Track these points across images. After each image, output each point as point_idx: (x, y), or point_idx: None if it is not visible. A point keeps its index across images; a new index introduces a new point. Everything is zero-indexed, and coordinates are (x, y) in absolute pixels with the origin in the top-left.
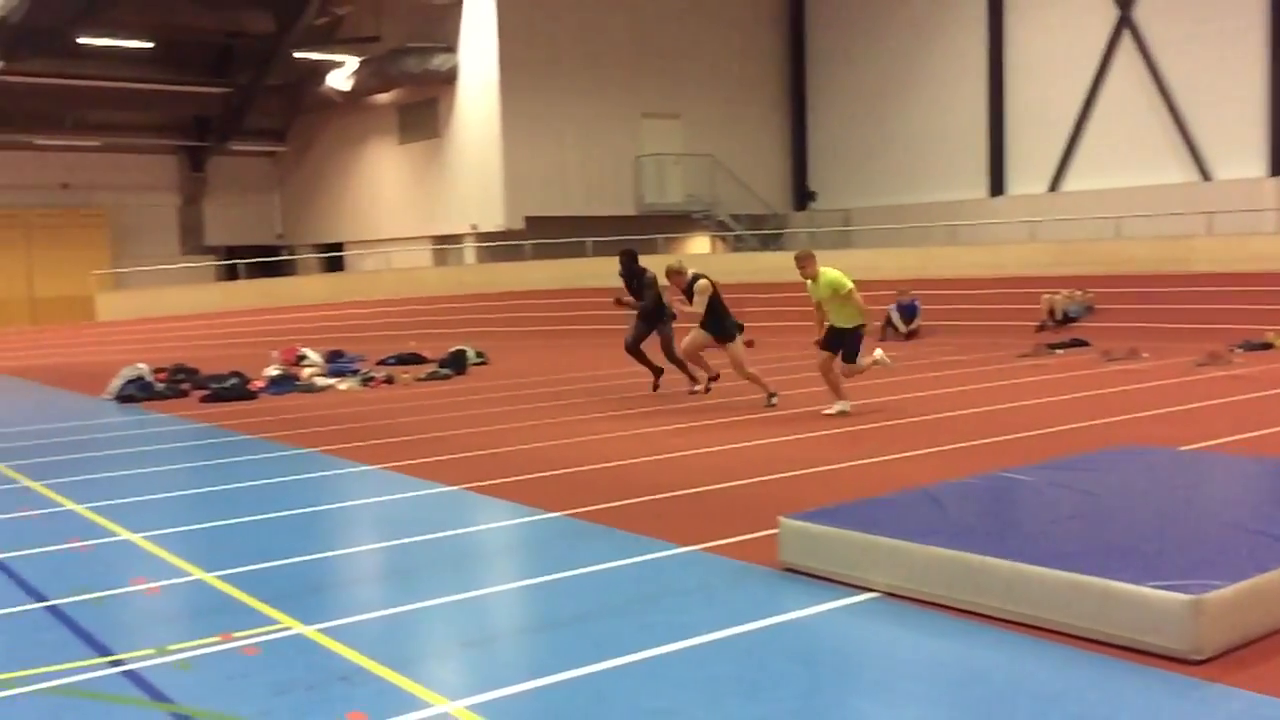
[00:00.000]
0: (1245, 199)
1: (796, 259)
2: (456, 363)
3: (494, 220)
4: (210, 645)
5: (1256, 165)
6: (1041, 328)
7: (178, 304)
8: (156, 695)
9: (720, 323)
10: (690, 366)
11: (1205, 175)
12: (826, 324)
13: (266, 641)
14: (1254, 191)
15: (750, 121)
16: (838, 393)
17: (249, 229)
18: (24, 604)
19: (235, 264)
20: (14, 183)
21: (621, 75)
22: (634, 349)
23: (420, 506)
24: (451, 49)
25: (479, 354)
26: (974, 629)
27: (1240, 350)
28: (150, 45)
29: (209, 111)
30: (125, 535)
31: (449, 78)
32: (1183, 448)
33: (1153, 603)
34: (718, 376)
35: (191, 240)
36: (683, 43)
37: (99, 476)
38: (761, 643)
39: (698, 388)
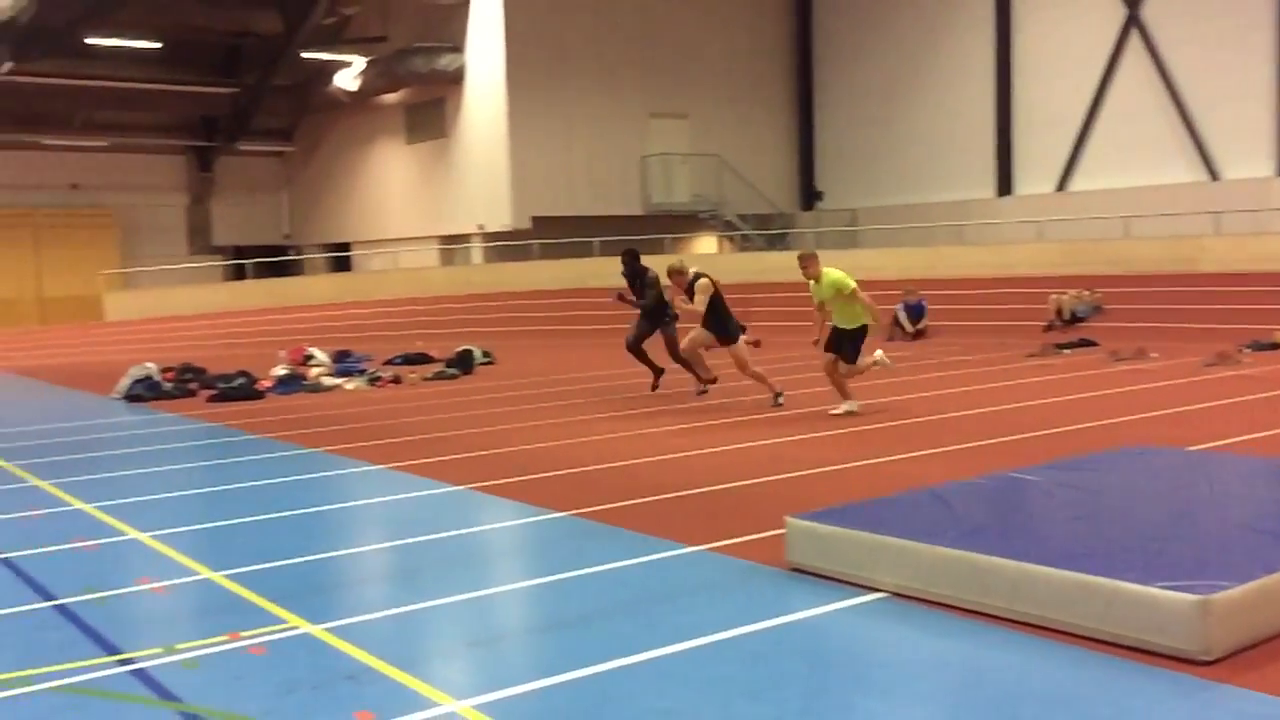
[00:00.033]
0: (1254, 199)
1: (799, 259)
2: (463, 363)
3: (501, 220)
4: (217, 644)
5: (1265, 165)
6: (1049, 328)
7: (185, 304)
8: (164, 694)
9: (723, 323)
10: (696, 366)
11: (1214, 175)
12: (829, 325)
13: (273, 641)
14: (1263, 191)
15: (757, 121)
16: (844, 393)
17: (256, 229)
18: (32, 602)
19: (243, 264)
20: (22, 183)
21: (628, 75)
22: (635, 348)
23: (427, 506)
24: (458, 49)
25: (486, 354)
26: (981, 629)
27: (1249, 350)
28: (158, 45)
29: (217, 111)
30: (133, 534)
31: (456, 78)
32: (1191, 448)
33: (1161, 603)
34: (715, 380)
35: (199, 240)
36: (690, 43)
37: (107, 476)
38: (769, 643)
39: (704, 389)
